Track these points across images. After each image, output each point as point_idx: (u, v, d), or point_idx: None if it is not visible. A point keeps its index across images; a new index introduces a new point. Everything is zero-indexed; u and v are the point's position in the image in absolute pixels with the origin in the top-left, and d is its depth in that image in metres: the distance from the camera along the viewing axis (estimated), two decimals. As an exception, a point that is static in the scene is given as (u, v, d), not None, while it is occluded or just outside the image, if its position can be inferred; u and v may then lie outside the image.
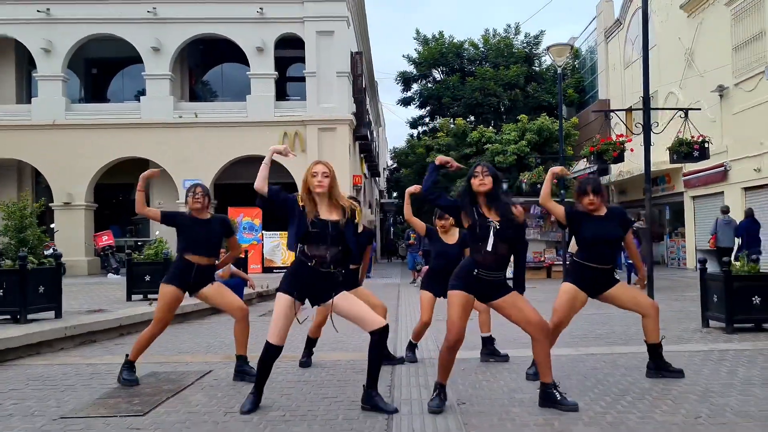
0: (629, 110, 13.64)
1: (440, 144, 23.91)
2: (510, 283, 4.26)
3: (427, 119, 32.85)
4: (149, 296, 10.24)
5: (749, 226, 12.79)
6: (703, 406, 4.13)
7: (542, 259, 18.07)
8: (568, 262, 5.52)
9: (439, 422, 3.88)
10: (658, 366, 5.04)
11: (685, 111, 10.09)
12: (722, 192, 18.04)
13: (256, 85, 20.47)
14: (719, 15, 17.81)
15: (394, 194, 45.34)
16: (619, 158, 10.88)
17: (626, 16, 24.58)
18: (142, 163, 21.04)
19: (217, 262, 5.37)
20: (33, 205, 8.13)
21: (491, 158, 21.08)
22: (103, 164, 20.39)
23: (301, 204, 4.14)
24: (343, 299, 4.23)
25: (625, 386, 4.73)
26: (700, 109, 12.80)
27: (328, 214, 4.17)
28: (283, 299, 4.17)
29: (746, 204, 17.17)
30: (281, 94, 21.91)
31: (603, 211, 4.95)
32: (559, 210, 5.00)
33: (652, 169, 19.87)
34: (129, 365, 5.07)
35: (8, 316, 7.40)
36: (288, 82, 23.05)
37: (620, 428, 3.68)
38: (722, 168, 17.55)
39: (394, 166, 44.45)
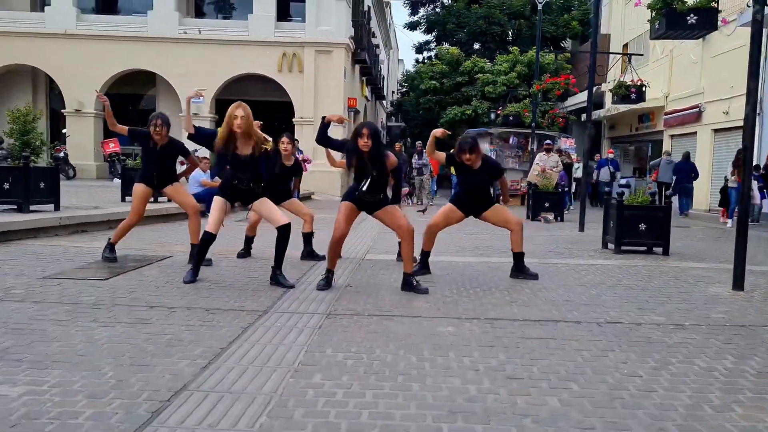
0: (604, 53, 14.36)
1: (434, 72, 24.59)
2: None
3: (432, 45, 33.23)
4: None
5: (683, 166, 14.36)
6: (536, 298, 5.40)
7: (518, 187, 19.20)
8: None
9: (321, 294, 5.20)
10: (518, 269, 6.34)
11: (629, 56, 10.94)
12: (695, 132, 18.85)
13: (258, 4, 21.15)
14: (711, -43, 18.04)
15: (400, 117, 45.98)
16: (563, 96, 11.82)
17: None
18: (149, 75, 22.14)
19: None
20: (35, 112, 9.35)
21: (481, 88, 21.83)
22: (110, 75, 21.44)
23: (218, 144, 5.39)
24: (260, 204, 5.60)
25: (494, 283, 6.00)
26: (642, 54, 13.61)
27: (243, 147, 5.40)
28: (218, 200, 5.49)
29: (715, 145, 18.07)
30: (283, 15, 22.56)
31: (478, 165, 6.15)
32: (441, 156, 6.32)
33: (643, 105, 20.81)
34: (110, 246, 6.45)
35: (14, 206, 8.76)
36: (290, 2, 23.60)
37: (455, 307, 4.97)
38: (697, 109, 18.29)
39: (405, 89, 44.91)
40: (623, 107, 19.80)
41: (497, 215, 6.27)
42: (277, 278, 5.50)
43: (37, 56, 21.13)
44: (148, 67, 21.32)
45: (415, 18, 32.42)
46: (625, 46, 23.53)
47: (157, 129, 6.32)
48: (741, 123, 6.21)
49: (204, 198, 12.02)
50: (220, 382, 3.02)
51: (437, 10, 31.94)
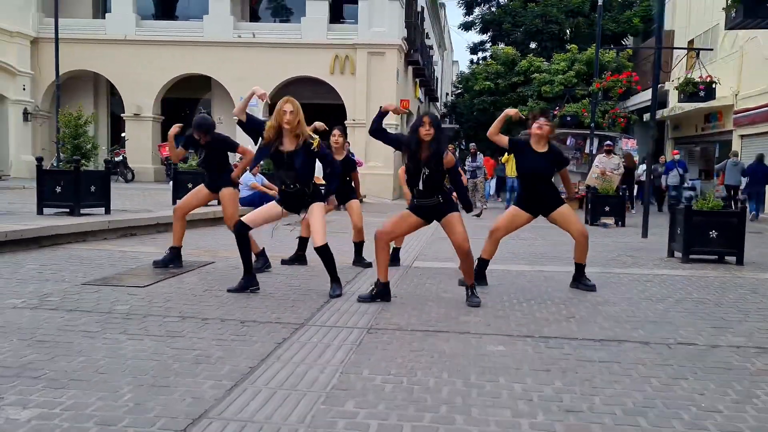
0: (666, 48, 13.64)
1: (489, 72, 24.05)
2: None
3: (488, 45, 32.60)
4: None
5: (756, 168, 13.47)
6: (596, 313, 4.97)
7: (576, 190, 18.48)
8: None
9: (364, 306, 4.90)
10: (576, 279, 5.90)
11: (697, 51, 10.26)
12: (768, 132, 17.77)
13: (311, 7, 21.12)
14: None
15: (453, 119, 45.45)
16: (625, 95, 11.20)
17: (698, -58, 23.41)
18: (204, 80, 22.42)
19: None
20: (87, 116, 9.41)
21: (538, 88, 21.20)
22: (168, 79, 21.80)
23: (266, 137, 5.14)
24: (310, 213, 5.26)
25: (549, 296, 5.60)
26: (711, 49, 12.80)
27: (288, 143, 5.13)
28: (273, 204, 5.34)
29: (791, 145, 16.97)
30: (336, 17, 22.48)
31: (544, 146, 5.76)
32: (503, 139, 5.86)
33: (705, 105, 19.78)
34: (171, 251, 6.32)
35: (66, 210, 8.81)
36: (344, 4, 23.50)
37: (507, 322, 4.60)
38: (771, 107, 17.23)
39: (459, 91, 44.34)
40: (689, 106, 18.83)
41: (565, 219, 5.80)
42: (330, 289, 5.26)
43: (99, 62, 21.67)
44: (204, 71, 21.58)
45: (470, 18, 31.88)
46: (690, 42, 22.44)
47: (198, 137, 6.20)
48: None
49: (255, 203, 11.96)
50: (244, 409, 2.75)
51: (492, 9, 31.31)
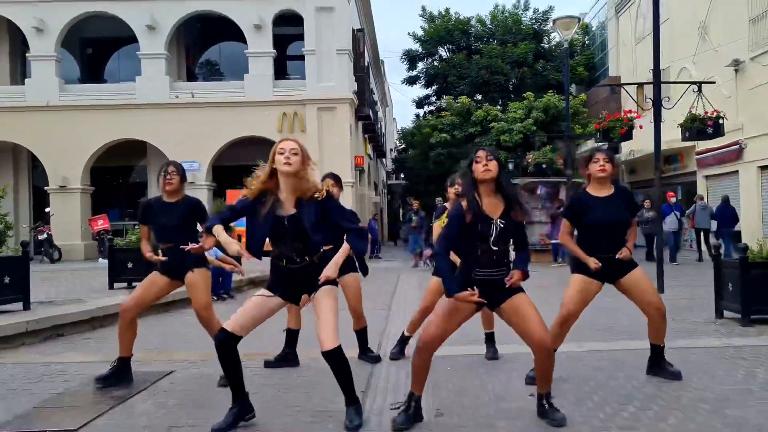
0: (640, 84, 12.89)
1: (444, 123, 23.21)
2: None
3: (433, 98, 32.06)
4: (133, 284, 9.78)
5: (724, 210, 14.61)
6: (717, 419, 3.58)
7: (549, 242, 17.44)
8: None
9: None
10: (656, 364, 4.55)
11: (699, 85, 9.41)
12: (737, 171, 17.31)
13: (254, 64, 19.85)
14: (735, -15, 16.94)
15: (401, 175, 44.68)
16: (627, 135, 10.24)
17: (638, -11, 23.65)
18: (139, 145, 20.61)
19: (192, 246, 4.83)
20: (-1, 190, 7.62)
21: (496, 137, 20.39)
22: (98, 146, 19.88)
23: (249, 196, 3.63)
24: (318, 301, 3.66)
25: (628, 391, 4.19)
26: (714, 82, 12.08)
27: (287, 203, 3.63)
28: (260, 294, 3.73)
29: (762, 183, 16.49)
30: (280, 73, 21.27)
31: (610, 190, 4.46)
32: (568, 229, 4.66)
33: (664, 147, 19.16)
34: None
35: (-29, 309, 6.92)
36: (288, 60, 22.37)
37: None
38: (737, 146, 16.79)
39: (402, 146, 43.76)
40: (648, 149, 18.29)
41: (638, 288, 4.42)
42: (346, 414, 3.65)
43: (18, 132, 19.59)
44: (138, 135, 19.80)
45: (414, 72, 31.33)
46: (640, 86, 22.27)
47: (169, 177, 4.68)
48: None
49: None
50: None
51: (435, 63, 30.89)
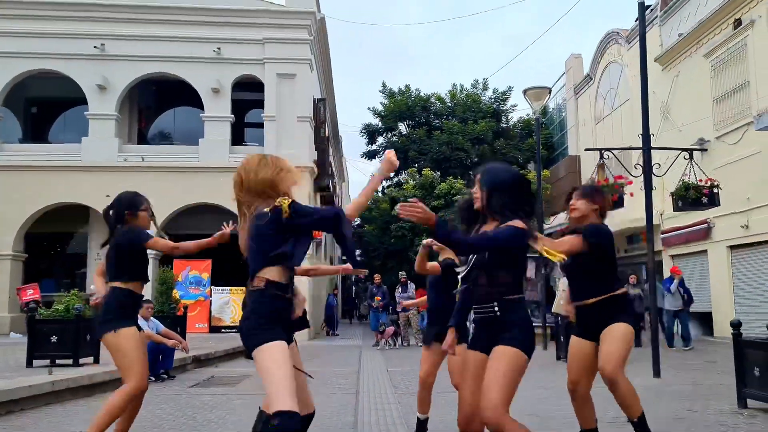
0: (628, 149, 12.47)
1: (406, 196, 22.62)
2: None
3: (391, 174, 31.69)
4: (56, 361, 8.39)
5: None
6: None
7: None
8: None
9: None
10: None
11: (690, 152, 8.94)
12: (705, 251, 17.02)
13: (211, 129, 19.00)
14: (697, 67, 17.17)
15: (357, 252, 43.79)
16: (619, 203, 9.64)
17: (597, 71, 24.11)
18: (81, 210, 19.21)
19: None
20: None
21: (461, 211, 19.77)
22: (35, 210, 18.43)
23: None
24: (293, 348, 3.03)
25: None
26: (706, 149, 11.86)
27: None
28: (281, 348, 2.75)
29: (734, 263, 16.14)
30: (238, 140, 20.46)
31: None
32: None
33: (627, 226, 18.96)
34: None
35: None
36: (246, 127, 21.65)
37: None
38: (705, 225, 16.54)
39: (357, 222, 43.03)
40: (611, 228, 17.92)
41: (607, 344, 3.84)
42: None
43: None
44: (81, 200, 18.42)
45: (374, 147, 31.03)
46: (601, 165, 22.24)
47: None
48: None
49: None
50: None
51: (395, 138, 30.70)
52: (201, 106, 19.22)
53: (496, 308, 2.98)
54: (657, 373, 8.32)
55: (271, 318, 2.79)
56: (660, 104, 18.82)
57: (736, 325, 6.05)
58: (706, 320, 17.23)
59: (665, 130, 18.56)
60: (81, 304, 8.52)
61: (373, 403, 6.53)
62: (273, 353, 2.68)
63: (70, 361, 8.39)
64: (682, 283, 14.10)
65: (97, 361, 8.75)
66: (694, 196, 8.98)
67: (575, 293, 4.06)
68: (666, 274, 18.74)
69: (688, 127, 17.01)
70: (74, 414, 6.04)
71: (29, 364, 8.45)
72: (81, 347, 8.51)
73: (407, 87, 30.61)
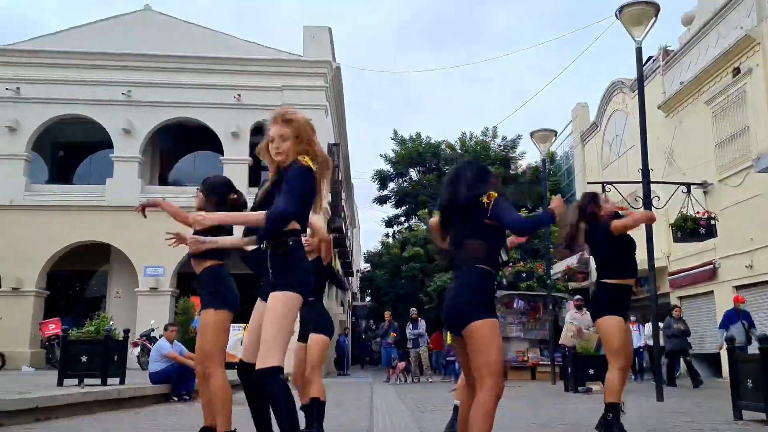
0: (629, 182, 12.98)
1: (417, 237, 23.13)
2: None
3: (402, 218, 32.32)
4: (85, 380, 8.82)
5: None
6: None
7: (525, 358, 16.85)
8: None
9: None
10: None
11: (688, 186, 9.46)
12: (712, 291, 17.30)
13: (229, 171, 19.66)
14: (699, 114, 17.81)
15: (368, 297, 44.04)
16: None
17: (602, 119, 24.83)
18: (102, 249, 19.84)
19: None
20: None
21: (471, 253, 20.19)
22: (59, 248, 19.07)
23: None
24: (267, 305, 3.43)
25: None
26: (702, 184, 12.44)
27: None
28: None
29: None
30: (255, 182, 21.16)
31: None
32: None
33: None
34: None
35: None
36: (263, 170, 22.35)
37: None
38: (711, 266, 16.89)
39: (368, 268, 43.42)
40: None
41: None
42: None
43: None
44: (103, 238, 19.10)
45: (385, 192, 31.76)
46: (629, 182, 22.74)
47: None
48: None
49: (171, 378, 9.33)
50: None
51: (405, 184, 31.44)
52: (220, 150, 20.02)
53: None
54: (660, 396, 8.62)
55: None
56: (664, 149, 19.40)
57: (730, 340, 6.43)
58: (714, 362, 17.37)
59: (670, 174, 19.06)
60: (111, 325, 9.01)
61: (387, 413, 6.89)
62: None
63: (99, 381, 8.81)
64: (746, 315, 12.77)
65: (122, 381, 9.17)
66: (692, 227, 9.45)
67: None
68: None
69: (692, 170, 17.53)
70: (101, 421, 6.43)
71: (60, 383, 8.87)
72: (109, 367, 8.94)
73: (418, 134, 31.53)
